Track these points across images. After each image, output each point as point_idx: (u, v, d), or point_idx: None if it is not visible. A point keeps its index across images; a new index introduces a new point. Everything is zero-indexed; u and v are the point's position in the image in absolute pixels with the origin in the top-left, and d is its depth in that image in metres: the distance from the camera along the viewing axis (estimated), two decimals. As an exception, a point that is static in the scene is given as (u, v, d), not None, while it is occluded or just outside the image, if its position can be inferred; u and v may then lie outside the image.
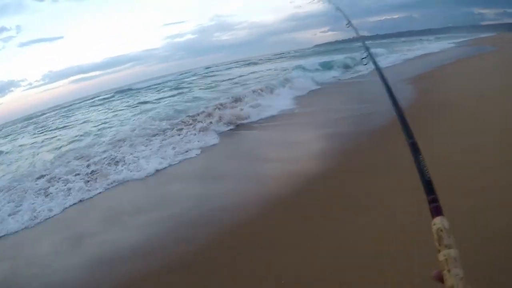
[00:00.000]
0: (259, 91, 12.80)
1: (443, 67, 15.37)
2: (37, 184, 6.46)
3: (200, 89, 21.17)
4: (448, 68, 14.99)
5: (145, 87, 38.58)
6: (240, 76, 25.26)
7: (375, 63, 1.74)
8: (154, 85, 38.90)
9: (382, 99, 1.46)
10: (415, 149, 1.04)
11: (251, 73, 26.54)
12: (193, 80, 34.54)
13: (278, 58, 58.14)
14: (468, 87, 9.70)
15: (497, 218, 3.02)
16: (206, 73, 47.06)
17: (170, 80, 43.44)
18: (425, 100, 8.72)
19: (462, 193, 3.49)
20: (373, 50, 2.47)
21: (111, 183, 6.24)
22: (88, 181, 6.42)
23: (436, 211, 0.86)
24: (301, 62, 28.67)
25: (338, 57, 24.52)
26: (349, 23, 2.59)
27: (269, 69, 27.89)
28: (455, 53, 23.33)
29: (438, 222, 0.83)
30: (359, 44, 2.22)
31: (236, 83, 20.19)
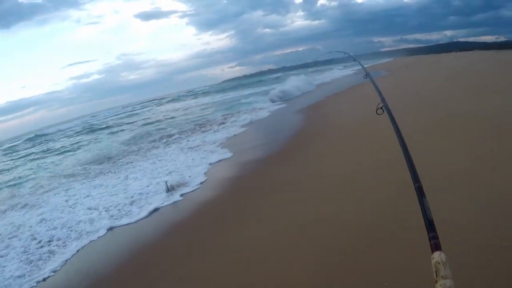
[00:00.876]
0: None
1: (336, 95, 17.78)
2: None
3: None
4: (340, 96, 17.39)
5: (56, 131, 37.56)
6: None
7: (374, 83, 1.90)
8: (68, 129, 38.23)
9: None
10: (420, 192, 1.15)
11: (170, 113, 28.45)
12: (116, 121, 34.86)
13: (187, 95, 64.82)
14: (351, 112, 11.65)
15: (368, 214, 4.00)
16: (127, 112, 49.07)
17: (85, 122, 43.99)
18: (310, 127, 10.61)
19: (327, 197, 4.82)
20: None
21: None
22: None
23: (436, 246, 0.95)
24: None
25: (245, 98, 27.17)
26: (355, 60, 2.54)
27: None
28: (351, 79, 26.31)
29: (437, 256, 0.90)
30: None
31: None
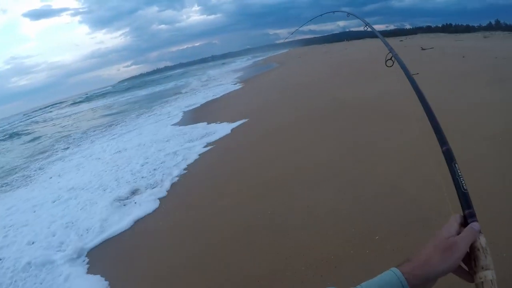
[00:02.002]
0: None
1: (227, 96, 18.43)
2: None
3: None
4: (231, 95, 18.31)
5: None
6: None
7: (402, 64, 1.69)
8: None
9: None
10: (449, 156, 0.93)
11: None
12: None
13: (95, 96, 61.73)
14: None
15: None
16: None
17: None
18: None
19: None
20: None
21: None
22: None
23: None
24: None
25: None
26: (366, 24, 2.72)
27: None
28: (245, 73, 29.63)
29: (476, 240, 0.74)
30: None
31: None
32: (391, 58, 1.86)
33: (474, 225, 0.78)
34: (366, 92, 10.40)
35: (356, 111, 8.60)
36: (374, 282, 0.75)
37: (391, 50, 1.89)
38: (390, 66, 1.91)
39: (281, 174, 5.72)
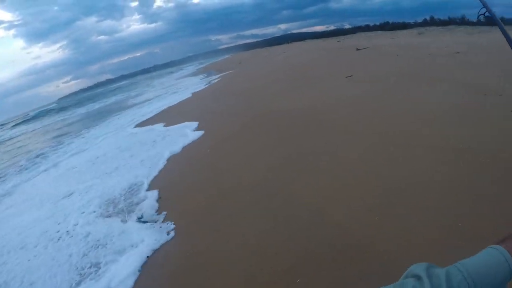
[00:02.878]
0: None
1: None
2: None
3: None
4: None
5: None
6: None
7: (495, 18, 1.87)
8: None
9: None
10: None
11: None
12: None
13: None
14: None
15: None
16: None
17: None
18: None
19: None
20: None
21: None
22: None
23: None
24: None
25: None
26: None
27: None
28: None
29: None
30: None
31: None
32: (484, 13, 2.00)
33: None
34: (300, 102, 9.96)
35: (287, 122, 8.24)
36: (477, 261, 0.77)
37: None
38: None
39: (206, 199, 5.25)
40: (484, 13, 1.95)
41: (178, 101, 17.27)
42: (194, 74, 41.18)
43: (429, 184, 4.04)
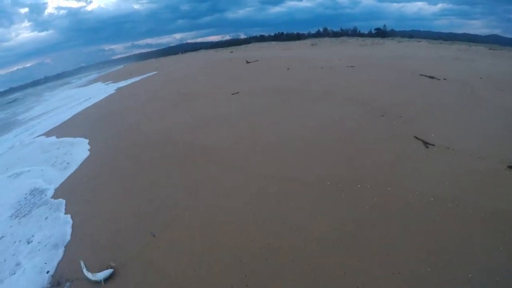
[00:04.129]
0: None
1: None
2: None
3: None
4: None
5: None
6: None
7: None
8: None
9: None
10: None
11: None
12: None
13: None
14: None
15: None
16: None
17: None
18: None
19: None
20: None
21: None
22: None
23: None
24: None
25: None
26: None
27: None
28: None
29: None
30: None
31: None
32: None
33: None
34: (172, 122, 9.31)
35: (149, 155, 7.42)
36: None
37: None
38: None
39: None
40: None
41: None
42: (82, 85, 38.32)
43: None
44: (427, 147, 5.52)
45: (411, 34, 37.33)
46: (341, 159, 5.49)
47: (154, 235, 4.39)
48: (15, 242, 5.57)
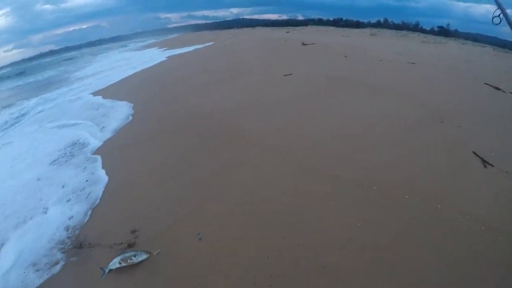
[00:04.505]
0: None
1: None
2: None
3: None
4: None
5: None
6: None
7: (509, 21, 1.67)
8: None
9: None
10: None
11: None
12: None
13: None
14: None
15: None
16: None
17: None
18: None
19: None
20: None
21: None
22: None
23: None
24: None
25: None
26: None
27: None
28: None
29: None
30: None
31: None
32: (498, 15, 1.99)
33: None
34: (222, 99, 8.99)
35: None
36: None
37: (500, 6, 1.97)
38: (498, 24, 2.02)
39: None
40: (499, 14, 1.93)
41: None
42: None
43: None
44: (486, 167, 4.65)
45: (476, 38, 34.15)
46: (392, 163, 4.80)
47: (200, 239, 3.91)
48: (48, 187, 5.71)
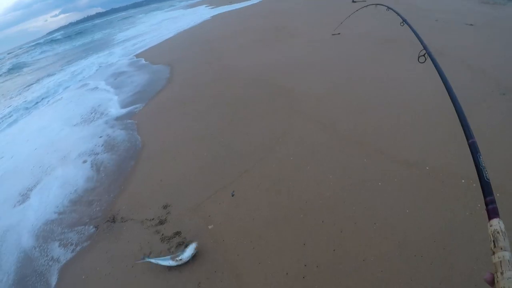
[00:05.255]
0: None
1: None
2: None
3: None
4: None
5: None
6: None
7: (434, 62, 1.72)
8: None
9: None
10: (475, 148, 1.05)
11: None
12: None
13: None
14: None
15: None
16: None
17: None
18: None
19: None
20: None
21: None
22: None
23: (493, 212, 0.86)
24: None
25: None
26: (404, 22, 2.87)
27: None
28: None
29: (495, 224, 0.83)
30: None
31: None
32: (424, 54, 2.06)
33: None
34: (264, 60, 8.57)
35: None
36: None
37: (425, 47, 2.09)
38: (423, 62, 2.09)
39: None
40: (424, 54, 2.03)
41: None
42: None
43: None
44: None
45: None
46: (450, 144, 3.89)
47: (233, 195, 3.71)
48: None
